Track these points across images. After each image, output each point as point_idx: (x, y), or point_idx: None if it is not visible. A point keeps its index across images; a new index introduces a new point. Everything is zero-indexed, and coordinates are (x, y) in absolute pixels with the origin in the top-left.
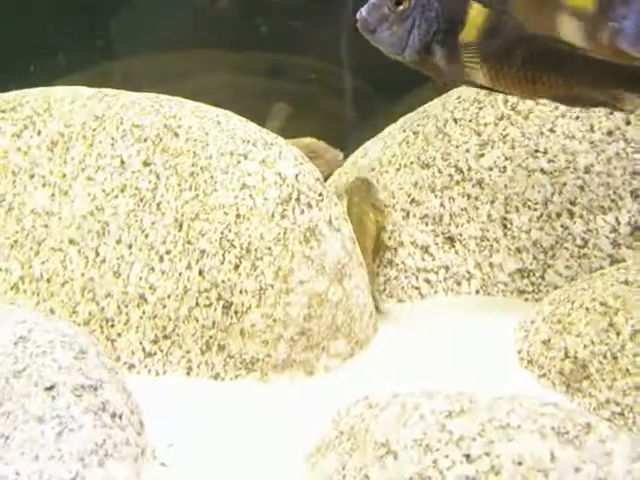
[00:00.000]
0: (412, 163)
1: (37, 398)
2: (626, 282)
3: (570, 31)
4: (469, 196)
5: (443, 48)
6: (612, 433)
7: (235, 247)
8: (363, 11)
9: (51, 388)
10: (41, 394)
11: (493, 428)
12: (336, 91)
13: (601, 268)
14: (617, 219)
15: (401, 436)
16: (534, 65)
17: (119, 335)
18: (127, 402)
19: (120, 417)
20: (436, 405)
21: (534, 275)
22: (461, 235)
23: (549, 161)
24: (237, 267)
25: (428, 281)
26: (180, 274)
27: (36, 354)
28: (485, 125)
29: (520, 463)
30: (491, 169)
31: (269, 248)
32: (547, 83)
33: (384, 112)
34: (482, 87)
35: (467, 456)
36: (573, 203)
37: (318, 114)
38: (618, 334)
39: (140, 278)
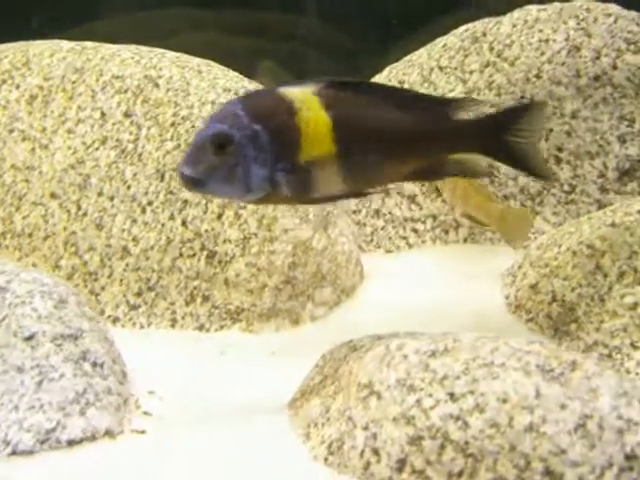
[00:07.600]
0: None
1: (16, 348)
2: (613, 224)
3: None
4: None
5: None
6: (598, 369)
7: None
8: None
9: (30, 338)
10: (20, 344)
11: (477, 366)
12: (320, 46)
13: (589, 214)
14: (605, 164)
15: (384, 376)
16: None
17: (103, 289)
18: (109, 351)
19: (101, 366)
20: (420, 345)
21: None
22: None
23: None
24: (220, 216)
25: (415, 230)
26: (163, 225)
27: (15, 304)
28: (471, 73)
29: (505, 400)
30: None
31: None
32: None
33: (369, 64)
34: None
35: (451, 395)
36: (560, 149)
37: (303, 70)
38: (605, 276)
39: (123, 230)
